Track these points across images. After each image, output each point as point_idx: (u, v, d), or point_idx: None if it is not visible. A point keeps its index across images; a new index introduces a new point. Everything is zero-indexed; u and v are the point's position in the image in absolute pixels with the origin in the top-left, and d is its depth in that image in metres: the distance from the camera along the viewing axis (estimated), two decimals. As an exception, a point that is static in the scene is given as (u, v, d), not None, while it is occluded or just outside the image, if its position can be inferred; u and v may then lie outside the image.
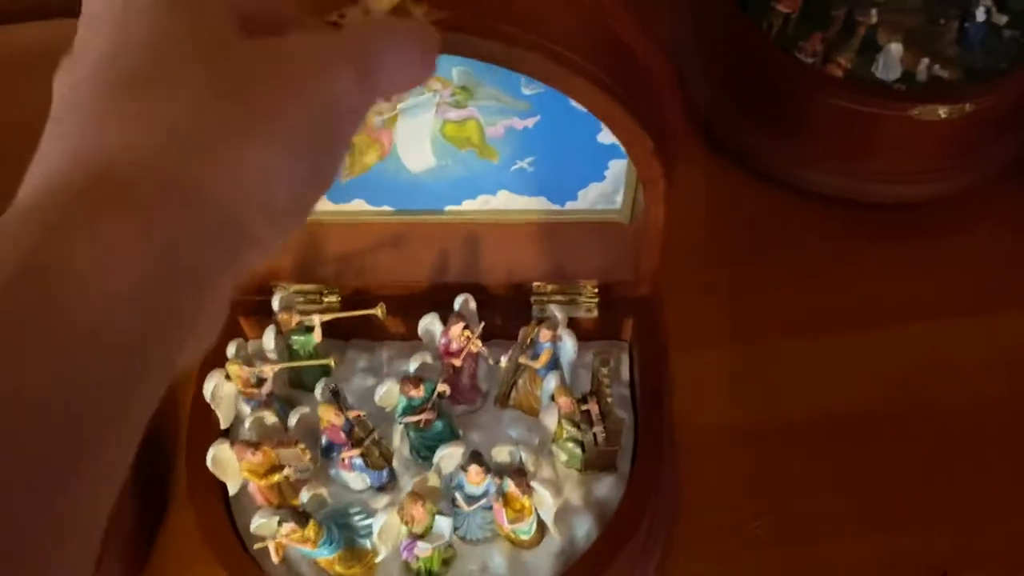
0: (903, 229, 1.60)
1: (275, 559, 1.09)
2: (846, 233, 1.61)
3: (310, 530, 1.08)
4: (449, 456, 1.11)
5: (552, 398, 1.16)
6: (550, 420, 1.14)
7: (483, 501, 1.08)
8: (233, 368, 1.14)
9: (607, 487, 1.18)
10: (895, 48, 1.54)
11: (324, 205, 1.33)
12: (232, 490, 1.16)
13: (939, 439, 1.37)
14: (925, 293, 1.53)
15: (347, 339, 1.33)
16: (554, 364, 1.22)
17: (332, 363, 1.17)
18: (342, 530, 1.14)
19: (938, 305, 1.51)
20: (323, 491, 1.13)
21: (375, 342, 1.34)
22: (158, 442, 1.39)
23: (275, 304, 1.20)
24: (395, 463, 1.19)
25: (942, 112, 1.47)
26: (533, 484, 1.06)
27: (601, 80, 0.98)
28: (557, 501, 1.08)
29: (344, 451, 1.14)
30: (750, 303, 1.53)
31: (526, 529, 1.11)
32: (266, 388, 1.16)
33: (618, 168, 1.25)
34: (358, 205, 1.33)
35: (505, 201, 1.31)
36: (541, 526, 1.14)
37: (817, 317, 1.51)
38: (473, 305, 1.21)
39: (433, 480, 1.10)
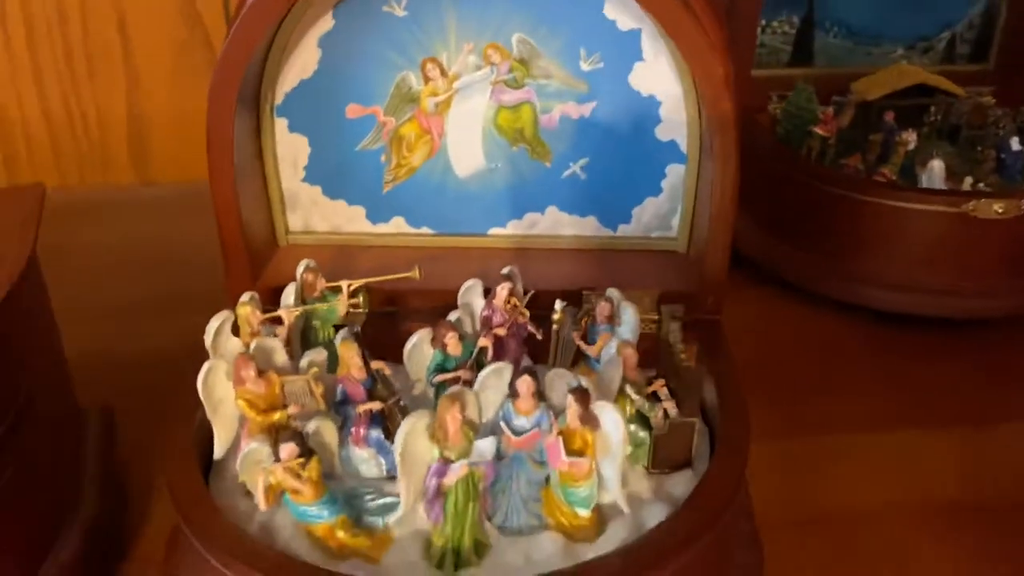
0: (973, 345, 1.48)
1: (263, 504, 0.84)
2: (912, 348, 1.49)
3: (312, 469, 0.85)
4: (493, 379, 0.90)
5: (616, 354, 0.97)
6: (613, 372, 0.95)
7: (531, 436, 0.86)
8: (244, 311, 0.99)
9: (683, 484, 0.95)
10: (937, 165, 1.55)
11: (361, 225, 1.25)
12: (219, 450, 0.93)
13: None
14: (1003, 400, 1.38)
15: (370, 360, 1.15)
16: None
17: (363, 303, 1.01)
18: (350, 504, 0.90)
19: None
20: (330, 425, 0.91)
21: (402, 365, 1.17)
22: (114, 482, 1.16)
23: (299, 268, 1.07)
24: (420, 446, 0.96)
25: (998, 207, 1.43)
26: (599, 409, 0.85)
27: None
28: (624, 445, 0.86)
29: (361, 405, 0.94)
30: (819, 406, 1.37)
31: (584, 493, 0.87)
32: (283, 335, 0.98)
33: (676, 176, 1.19)
34: (396, 225, 1.25)
35: (553, 222, 1.23)
36: (601, 514, 0.90)
37: (896, 416, 1.36)
38: (520, 281, 1.07)
39: (472, 406, 0.88)
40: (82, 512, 1.09)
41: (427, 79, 1.14)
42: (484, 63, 1.13)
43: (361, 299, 1.04)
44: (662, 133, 1.16)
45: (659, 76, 1.12)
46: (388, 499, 0.90)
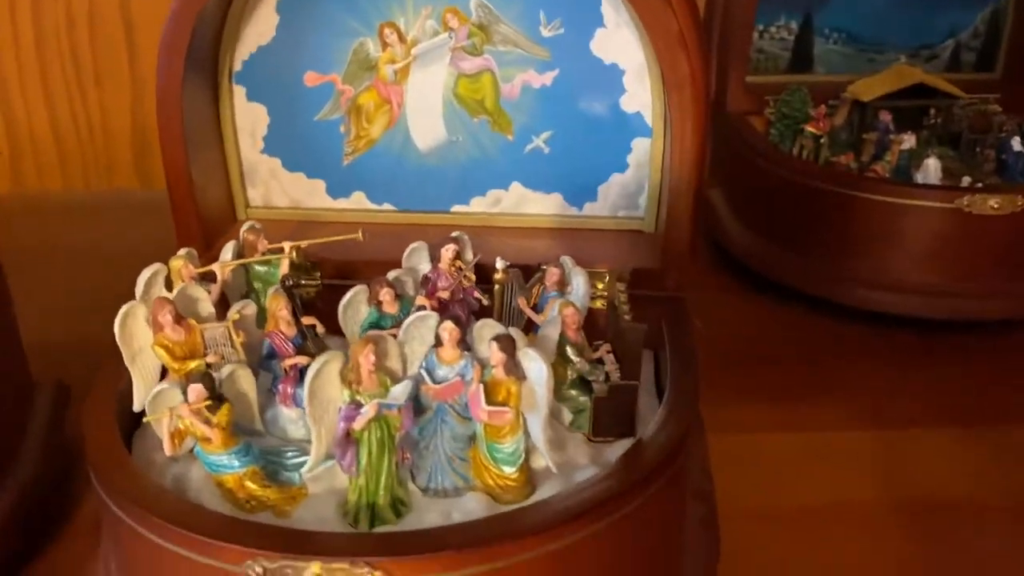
0: (968, 347, 1.42)
1: (168, 449, 0.80)
2: (906, 350, 1.43)
3: (222, 415, 0.81)
4: (419, 329, 0.86)
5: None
6: (551, 331, 0.90)
7: (452, 385, 0.81)
8: (176, 264, 0.96)
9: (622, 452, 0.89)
10: (933, 163, 1.49)
11: (322, 200, 1.22)
12: (138, 401, 0.90)
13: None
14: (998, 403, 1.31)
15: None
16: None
17: (304, 268, 0.98)
18: (267, 459, 0.86)
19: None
20: (248, 374, 0.87)
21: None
22: (59, 455, 1.13)
23: (242, 228, 1.04)
24: (350, 408, 0.91)
25: (993, 203, 1.37)
26: (523, 358, 0.80)
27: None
28: (549, 397, 0.81)
29: (288, 360, 0.90)
30: (809, 406, 1.31)
31: (510, 448, 0.82)
32: (215, 292, 0.95)
33: (642, 151, 1.15)
34: (357, 201, 1.22)
35: (518, 200, 1.20)
36: (532, 476, 0.84)
37: (887, 417, 1.28)
38: (469, 247, 1.04)
39: (393, 355, 0.84)
40: (19, 477, 1.06)
41: (385, 45, 1.12)
42: (442, 28, 1.11)
43: (295, 255, 0.99)
44: (627, 104, 1.12)
45: (621, 43, 1.09)
46: (306, 458, 0.86)
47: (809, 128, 1.55)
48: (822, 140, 1.55)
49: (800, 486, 1.15)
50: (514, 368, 0.80)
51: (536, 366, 0.80)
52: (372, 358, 0.78)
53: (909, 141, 1.53)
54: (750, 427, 1.25)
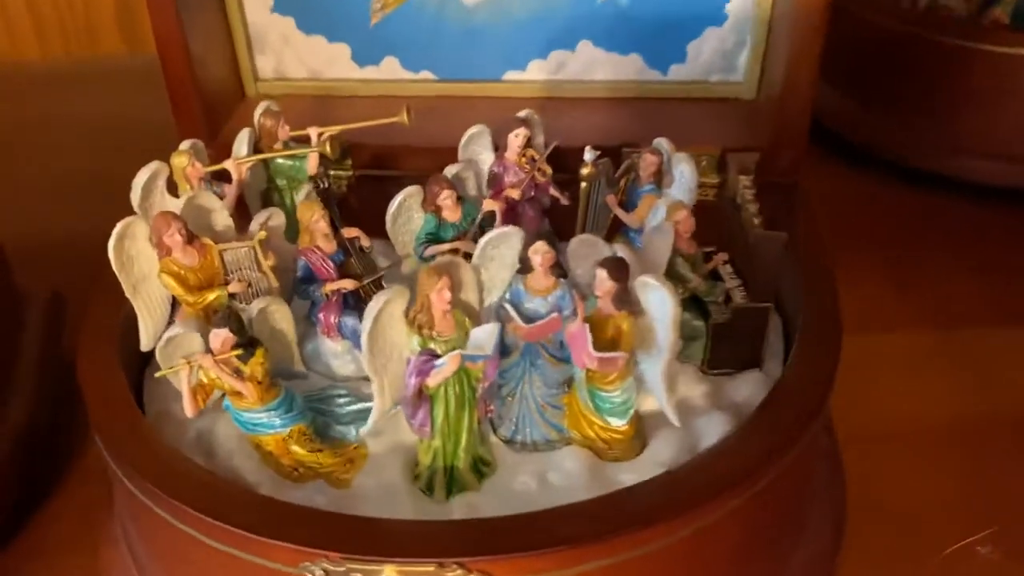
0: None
1: (189, 409, 0.63)
2: (1009, 230, 1.24)
3: (256, 364, 0.63)
4: (499, 248, 0.67)
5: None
6: (660, 242, 0.71)
7: (548, 323, 0.63)
8: (179, 162, 0.76)
9: (749, 389, 0.72)
10: (1061, 6, 1.26)
11: (346, 69, 1.01)
12: (146, 340, 0.72)
13: None
14: None
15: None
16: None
17: (336, 158, 0.78)
18: (315, 409, 0.69)
19: None
20: (284, 308, 0.69)
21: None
22: (56, 378, 0.96)
23: (257, 111, 0.83)
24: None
25: None
26: (640, 288, 0.62)
27: None
28: (675, 336, 0.63)
29: (329, 284, 0.71)
30: (902, 300, 1.14)
31: (619, 398, 0.65)
32: (230, 196, 0.76)
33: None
34: (389, 68, 1.01)
35: (587, 63, 0.98)
36: (641, 425, 0.67)
37: (989, 311, 1.12)
38: (541, 130, 0.83)
39: (469, 285, 0.65)
40: (13, 410, 0.90)
41: None
42: None
43: (330, 148, 0.79)
44: (729, -64, 0.90)
45: None
46: (366, 404, 0.69)
47: (914, -35, 1.31)
48: (928, -19, 1.32)
49: (910, 396, 1.00)
50: (626, 300, 0.62)
51: (658, 297, 0.62)
52: (447, 295, 0.59)
53: (1031, -24, 1.29)
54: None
